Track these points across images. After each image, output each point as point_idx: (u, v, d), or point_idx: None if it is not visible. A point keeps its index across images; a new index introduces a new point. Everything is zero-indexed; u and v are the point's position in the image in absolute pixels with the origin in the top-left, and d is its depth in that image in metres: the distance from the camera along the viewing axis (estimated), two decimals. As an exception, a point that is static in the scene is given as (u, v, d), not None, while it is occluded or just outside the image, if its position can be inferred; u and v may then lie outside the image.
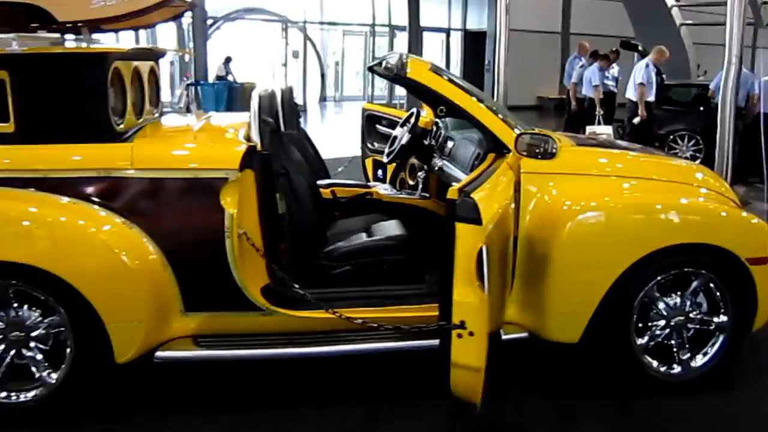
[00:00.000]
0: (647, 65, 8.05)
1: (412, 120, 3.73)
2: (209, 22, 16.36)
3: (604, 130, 8.55)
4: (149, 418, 2.65)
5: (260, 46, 17.93)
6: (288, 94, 3.59)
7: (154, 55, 3.44)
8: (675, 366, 2.92)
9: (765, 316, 2.96)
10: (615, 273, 2.71)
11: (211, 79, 14.06)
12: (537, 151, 2.65)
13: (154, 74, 3.49)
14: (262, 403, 2.78)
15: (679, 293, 2.88)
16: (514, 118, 3.54)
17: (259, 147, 2.69)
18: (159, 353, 2.55)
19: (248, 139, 2.73)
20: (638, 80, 7.92)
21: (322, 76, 19.53)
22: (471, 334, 1.83)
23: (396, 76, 2.82)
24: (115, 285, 2.45)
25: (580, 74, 9.29)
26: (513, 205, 2.70)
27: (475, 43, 18.12)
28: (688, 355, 2.93)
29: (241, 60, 17.65)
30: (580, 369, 3.11)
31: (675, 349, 2.91)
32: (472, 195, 2.07)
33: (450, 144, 3.63)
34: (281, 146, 3.13)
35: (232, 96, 13.30)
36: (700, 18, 13.44)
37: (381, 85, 18.57)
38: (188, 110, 12.40)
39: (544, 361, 3.14)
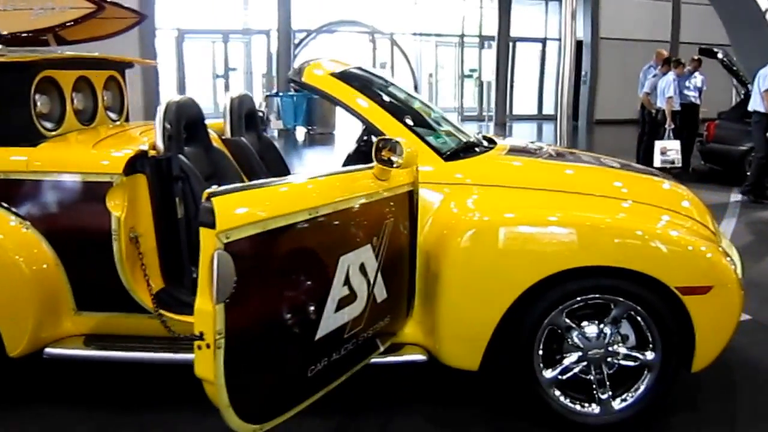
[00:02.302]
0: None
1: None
2: (302, 35, 17.05)
3: (673, 146, 7.87)
4: (27, 412, 2.74)
5: (352, 58, 18.31)
6: (240, 102, 3.63)
7: (110, 64, 3.61)
8: (592, 405, 2.59)
9: (708, 357, 2.55)
10: (510, 296, 2.46)
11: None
12: (383, 158, 2.40)
13: (116, 82, 3.69)
14: (134, 405, 2.82)
15: (596, 323, 2.56)
16: (455, 127, 3.35)
17: (162, 152, 2.75)
18: (48, 350, 2.66)
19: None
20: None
21: (415, 87, 19.60)
22: (208, 346, 1.74)
23: (292, 81, 2.75)
24: (5, 281, 2.60)
25: (653, 84, 8.56)
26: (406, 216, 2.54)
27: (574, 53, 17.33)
28: (609, 394, 2.58)
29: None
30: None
31: (594, 386, 2.59)
32: (231, 197, 1.85)
33: None
34: (207, 152, 3.17)
35: (311, 107, 13.67)
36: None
37: (472, 94, 18.34)
38: (267, 121, 12.92)
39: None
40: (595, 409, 2.58)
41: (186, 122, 3.01)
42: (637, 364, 2.57)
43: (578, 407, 2.58)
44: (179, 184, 2.79)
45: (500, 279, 2.48)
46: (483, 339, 2.52)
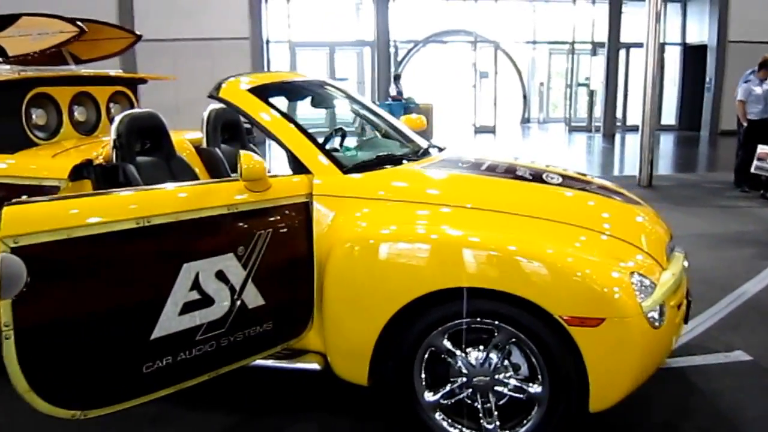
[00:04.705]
0: None
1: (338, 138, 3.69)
2: (410, 45, 17.29)
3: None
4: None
5: (456, 68, 18.27)
6: (216, 115, 3.84)
7: (115, 80, 4.00)
8: (476, 435, 2.44)
9: (609, 397, 2.31)
10: (386, 312, 2.40)
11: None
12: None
13: (125, 96, 4.09)
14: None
15: (483, 349, 2.41)
16: (402, 138, 3.30)
17: (111, 160, 3.04)
18: None
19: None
20: None
21: (524, 97, 19.08)
22: (7, 338, 1.90)
23: (211, 96, 2.87)
24: None
25: (747, 90, 7.67)
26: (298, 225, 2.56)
27: (696, 59, 15.92)
28: (496, 424, 2.42)
29: (433, 82, 18.27)
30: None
31: (480, 415, 2.44)
32: (26, 207, 2.00)
33: None
34: (168, 161, 3.40)
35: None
36: None
37: (583, 103, 17.47)
38: (362, 131, 13.25)
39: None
40: (480, 438, 2.43)
41: (141, 134, 3.26)
42: (524, 396, 2.39)
43: (460, 435, 2.45)
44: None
45: (376, 295, 2.43)
46: (365, 354, 2.48)
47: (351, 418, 2.81)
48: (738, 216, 6.77)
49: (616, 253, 2.43)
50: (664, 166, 11.03)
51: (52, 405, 2.05)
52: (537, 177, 2.88)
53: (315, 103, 3.39)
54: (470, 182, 2.80)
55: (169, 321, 2.23)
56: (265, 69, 14.28)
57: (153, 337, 2.20)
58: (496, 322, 2.34)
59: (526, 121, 19.06)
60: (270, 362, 2.65)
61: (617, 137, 15.36)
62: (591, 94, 16.37)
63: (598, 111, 16.08)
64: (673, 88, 16.74)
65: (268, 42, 14.89)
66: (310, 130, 2.78)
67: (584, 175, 3.31)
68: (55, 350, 2.04)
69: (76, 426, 2.23)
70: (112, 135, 3.11)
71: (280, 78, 3.20)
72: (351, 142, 3.52)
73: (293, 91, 3.37)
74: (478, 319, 2.36)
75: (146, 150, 3.34)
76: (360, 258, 2.45)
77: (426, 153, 3.14)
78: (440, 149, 3.33)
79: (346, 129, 3.64)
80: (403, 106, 13.85)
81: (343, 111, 3.46)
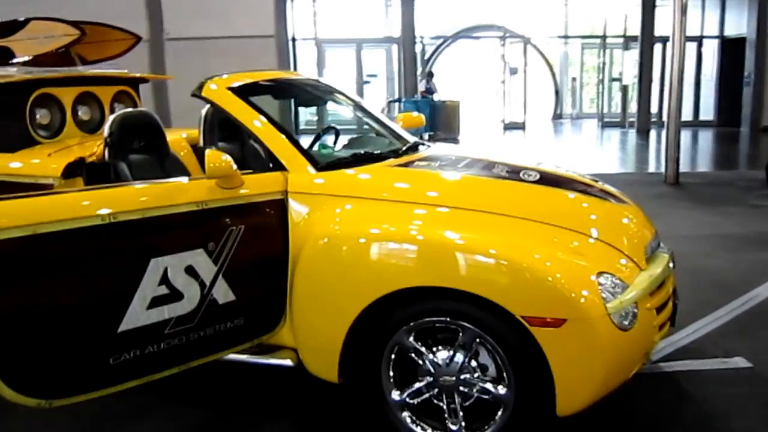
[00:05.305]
0: None
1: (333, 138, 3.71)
2: (438, 42, 17.20)
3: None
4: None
5: (485, 64, 18.09)
6: (213, 114, 3.89)
7: (118, 80, 4.10)
8: (443, 435, 2.42)
9: (576, 401, 2.26)
10: (353, 310, 2.41)
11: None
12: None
13: (128, 96, 4.18)
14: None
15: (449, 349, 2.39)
16: (391, 135, 3.28)
17: (103, 159, 3.12)
18: None
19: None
20: None
21: (556, 92, 18.78)
22: None
23: (194, 95, 2.91)
24: None
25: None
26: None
27: (735, 52, 15.37)
28: (461, 425, 2.40)
29: (462, 78, 18.11)
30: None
31: (445, 415, 2.42)
32: None
33: None
34: (161, 160, 3.46)
35: (435, 113, 13.73)
36: None
37: (616, 98, 17.10)
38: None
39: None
40: (445, 439, 2.41)
41: (134, 133, 3.33)
42: (490, 398, 2.35)
43: (427, 435, 2.43)
44: None
45: (344, 292, 2.44)
46: (334, 351, 2.48)
47: (325, 414, 2.82)
48: (764, 217, 6.50)
49: (585, 251, 2.38)
50: (697, 163, 10.72)
51: (17, 393, 2.12)
52: (514, 174, 2.83)
53: (301, 102, 3.41)
54: (440, 180, 2.77)
55: (137, 315, 2.28)
56: (291, 66, 14.39)
57: (120, 330, 2.25)
58: (460, 322, 2.31)
59: (558, 117, 18.75)
60: (245, 357, 2.68)
61: (652, 133, 14.95)
62: (624, 89, 15.99)
63: (633, 106, 15.69)
64: (711, 83, 16.20)
65: (294, 40, 15.00)
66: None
67: (584, 175, 3.18)
68: (21, 340, 2.11)
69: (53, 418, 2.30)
70: (105, 133, 3.19)
71: (264, 77, 3.22)
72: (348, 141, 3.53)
73: (278, 89, 3.38)
74: (443, 319, 2.34)
75: (140, 148, 3.41)
76: (328, 255, 2.46)
77: (411, 150, 3.13)
78: (428, 147, 3.31)
79: (348, 128, 3.66)
80: (430, 103, 13.80)
81: (337, 109, 3.45)
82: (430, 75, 14.66)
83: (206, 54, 13.04)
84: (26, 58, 3.88)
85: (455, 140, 13.91)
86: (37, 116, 3.62)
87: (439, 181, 2.76)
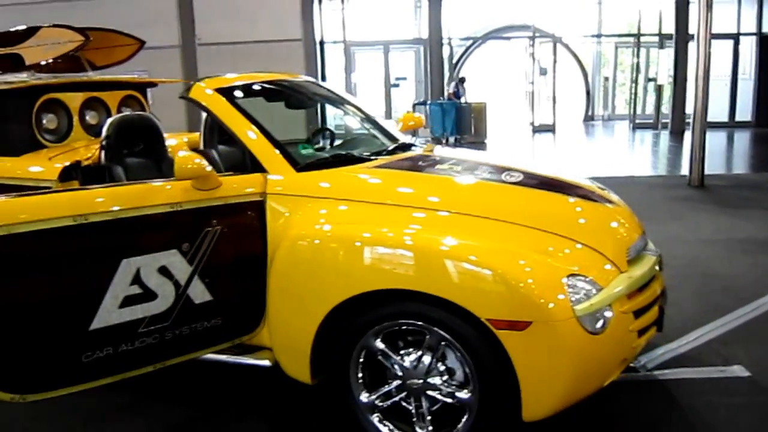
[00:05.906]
0: None
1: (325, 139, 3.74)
2: (467, 43, 17.10)
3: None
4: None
5: (514, 64, 17.90)
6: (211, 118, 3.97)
7: (125, 85, 4.21)
8: (410, 438, 2.41)
9: (542, 406, 2.22)
10: (320, 311, 2.42)
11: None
12: None
13: (136, 100, 4.30)
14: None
15: (416, 351, 2.38)
16: (382, 134, 3.28)
17: (99, 162, 3.21)
18: None
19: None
20: None
21: (587, 93, 18.44)
22: None
23: (182, 96, 2.96)
24: None
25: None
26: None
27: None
28: (429, 429, 2.39)
29: (490, 79, 17.93)
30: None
31: (413, 419, 2.41)
32: None
33: None
34: (159, 163, 3.54)
35: (460, 116, 13.66)
36: None
37: (649, 99, 16.70)
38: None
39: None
40: (413, 443, 2.40)
41: (131, 136, 3.41)
42: (456, 402, 2.33)
43: (395, 438, 2.43)
44: None
45: (313, 293, 2.46)
46: (304, 351, 2.50)
47: (302, 414, 2.84)
48: (790, 221, 6.26)
49: (558, 253, 2.34)
50: (729, 165, 10.39)
51: None
52: (495, 176, 2.80)
53: (291, 104, 3.44)
54: (414, 181, 2.75)
55: (109, 313, 2.33)
56: (319, 70, 14.51)
57: (92, 328, 2.31)
58: (426, 325, 2.30)
59: (589, 118, 18.40)
60: (224, 357, 2.72)
61: (686, 135, 14.53)
62: (658, 89, 15.60)
63: (666, 107, 15.30)
64: (749, 82, 15.68)
65: (322, 43, 15.11)
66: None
67: (578, 177, 3.12)
68: None
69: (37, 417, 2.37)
70: (102, 137, 3.28)
71: (253, 79, 3.26)
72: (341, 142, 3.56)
73: (268, 91, 3.42)
74: (409, 322, 2.33)
75: (138, 152, 3.49)
76: (300, 255, 2.49)
77: (400, 150, 3.13)
78: (418, 147, 3.31)
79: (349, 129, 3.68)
80: (456, 105, 13.73)
81: (333, 111, 3.48)
82: (462, 80, 14.60)
83: (236, 59, 13.26)
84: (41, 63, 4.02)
85: (482, 144, 13.79)
86: (44, 121, 3.75)
87: (413, 181, 2.74)
